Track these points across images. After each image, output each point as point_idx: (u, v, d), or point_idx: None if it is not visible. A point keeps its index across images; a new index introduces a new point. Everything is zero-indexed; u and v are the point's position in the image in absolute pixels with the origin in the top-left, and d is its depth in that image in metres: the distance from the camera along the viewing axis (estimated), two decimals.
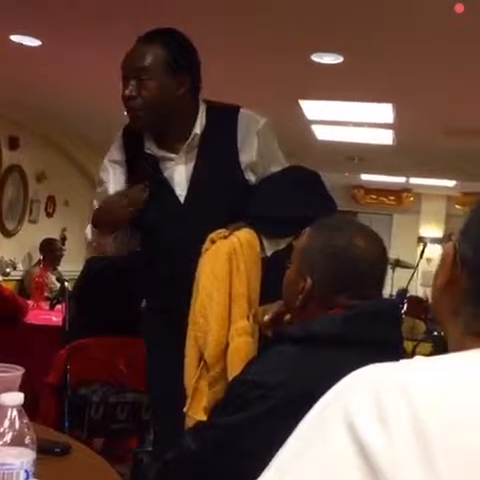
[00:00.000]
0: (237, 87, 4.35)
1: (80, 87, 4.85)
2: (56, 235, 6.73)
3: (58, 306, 4.25)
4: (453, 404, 0.61)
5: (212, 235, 1.80)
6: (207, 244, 1.80)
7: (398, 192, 9.75)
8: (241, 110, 1.96)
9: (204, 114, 1.95)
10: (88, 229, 1.99)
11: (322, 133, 6.03)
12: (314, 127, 5.81)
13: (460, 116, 4.88)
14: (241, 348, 1.68)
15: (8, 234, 6.30)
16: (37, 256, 6.13)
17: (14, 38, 3.88)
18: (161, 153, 1.95)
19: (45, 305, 4.54)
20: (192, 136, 1.92)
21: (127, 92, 1.85)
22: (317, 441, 0.63)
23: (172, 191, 1.94)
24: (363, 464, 0.59)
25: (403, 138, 5.85)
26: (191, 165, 1.94)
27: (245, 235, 1.80)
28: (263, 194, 1.91)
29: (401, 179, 8.87)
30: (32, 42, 3.93)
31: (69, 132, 6.65)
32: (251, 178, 1.95)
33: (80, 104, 5.38)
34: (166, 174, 1.95)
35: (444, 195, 9.49)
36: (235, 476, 0.84)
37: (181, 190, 1.94)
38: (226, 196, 1.90)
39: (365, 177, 9.01)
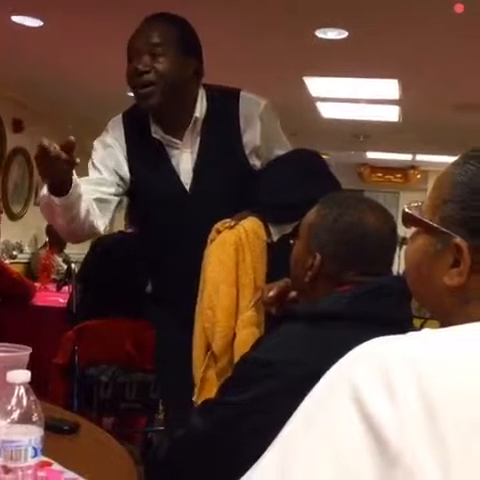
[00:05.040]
0: (240, 65, 4.31)
1: (82, 68, 4.81)
2: None
3: (65, 288, 4.28)
4: (460, 376, 0.61)
5: (218, 225, 1.77)
6: (213, 234, 1.77)
7: (405, 169, 9.71)
8: (241, 93, 1.92)
9: (204, 99, 1.92)
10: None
11: (327, 111, 5.99)
12: (319, 104, 5.76)
13: (467, 91, 4.83)
14: (247, 340, 1.67)
15: (14, 217, 6.30)
16: (43, 239, 6.14)
17: (15, 19, 3.86)
18: (168, 138, 1.92)
19: (52, 287, 4.57)
20: (193, 120, 1.90)
21: (140, 66, 1.80)
22: (324, 415, 0.63)
23: (178, 179, 1.92)
24: (370, 437, 0.59)
25: (409, 114, 5.80)
26: (196, 153, 1.92)
27: (251, 224, 1.78)
28: (268, 181, 1.89)
29: (407, 156, 8.82)
30: (33, 23, 3.91)
31: (73, 113, 6.62)
32: (256, 163, 1.93)
33: (83, 85, 5.34)
34: (173, 162, 1.92)
35: None
36: (243, 454, 0.83)
37: (187, 178, 1.92)
38: (231, 182, 1.88)
39: (371, 155, 8.96)
